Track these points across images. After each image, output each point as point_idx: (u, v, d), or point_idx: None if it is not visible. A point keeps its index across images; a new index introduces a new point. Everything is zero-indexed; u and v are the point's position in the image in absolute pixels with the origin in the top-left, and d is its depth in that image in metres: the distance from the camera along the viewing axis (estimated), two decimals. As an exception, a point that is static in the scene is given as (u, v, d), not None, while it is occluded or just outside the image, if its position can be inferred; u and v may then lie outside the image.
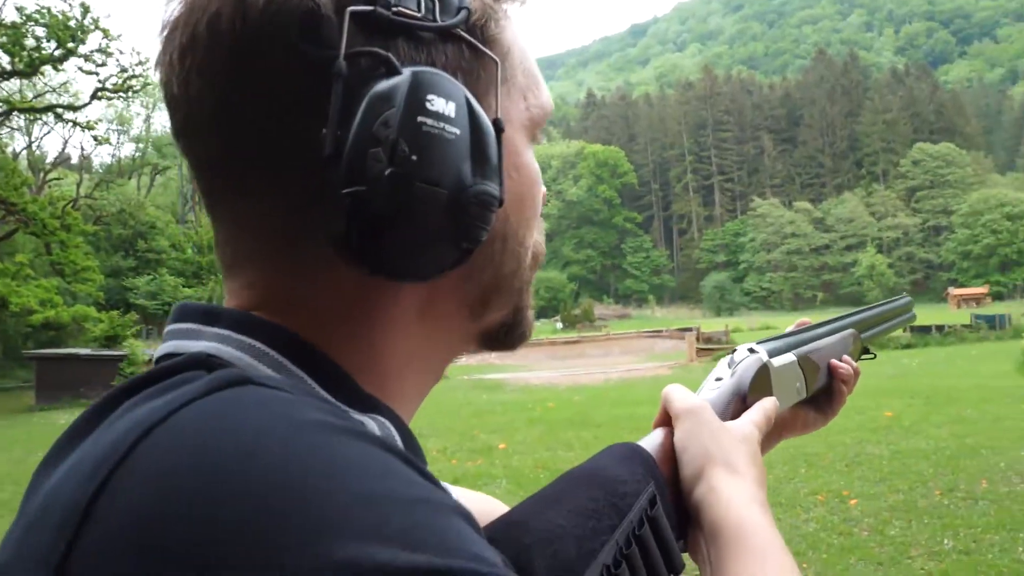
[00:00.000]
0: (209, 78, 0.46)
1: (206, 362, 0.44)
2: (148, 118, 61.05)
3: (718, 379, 0.75)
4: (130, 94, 28.87)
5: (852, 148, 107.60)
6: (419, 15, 0.47)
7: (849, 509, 6.48)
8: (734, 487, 0.62)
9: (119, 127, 59.82)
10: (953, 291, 69.52)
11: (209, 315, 0.48)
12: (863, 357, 0.94)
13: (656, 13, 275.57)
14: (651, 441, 0.66)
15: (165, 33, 0.49)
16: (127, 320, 27.98)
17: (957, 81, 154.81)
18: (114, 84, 27.15)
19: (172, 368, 0.44)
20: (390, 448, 0.40)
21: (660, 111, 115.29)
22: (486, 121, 0.48)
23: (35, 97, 31.44)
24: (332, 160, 0.44)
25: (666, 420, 0.69)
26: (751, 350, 0.79)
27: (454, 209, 0.46)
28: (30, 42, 24.49)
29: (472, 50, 0.50)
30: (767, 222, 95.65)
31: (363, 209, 0.44)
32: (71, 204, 31.76)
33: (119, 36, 30.19)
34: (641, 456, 0.63)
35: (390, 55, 0.45)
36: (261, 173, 0.47)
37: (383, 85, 0.44)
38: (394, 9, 0.46)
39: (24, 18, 24.16)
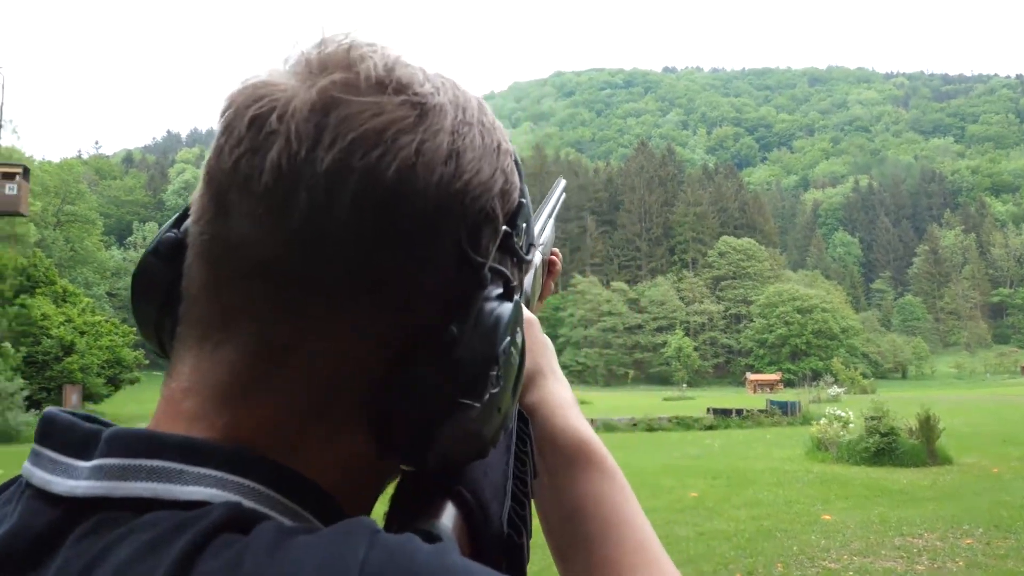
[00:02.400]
0: (346, 222, 0.43)
1: (250, 518, 0.40)
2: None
3: None
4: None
5: (666, 235, 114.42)
6: (522, 245, 0.51)
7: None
8: (563, 396, 0.68)
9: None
10: (751, 376, 74.38)
11: (191, 451, 0.42)
12: None
13: (493, 88, 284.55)
14: None
15: (277, 129, 0.43)
16: None
17: (759, 183, 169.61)
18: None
19: (221, 525, 0.39)
20: None
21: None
22: (525, 347, 0.51)
23: None
24: (459, 363, 0.44)
25: None
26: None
27: (497, 434, 0.49)
28: None
29: (521, 277, 0.55)
30: (586, 299, 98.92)
31: (459, 419, 0.45)
32: None
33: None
34: None
35: (514, 282, 0.48)
36: (349, 320, 0.44)
37: (504, 309, 0.46)
38: (516, 239, 0.50)
39: None
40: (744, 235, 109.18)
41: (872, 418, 15.66)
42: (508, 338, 0.46)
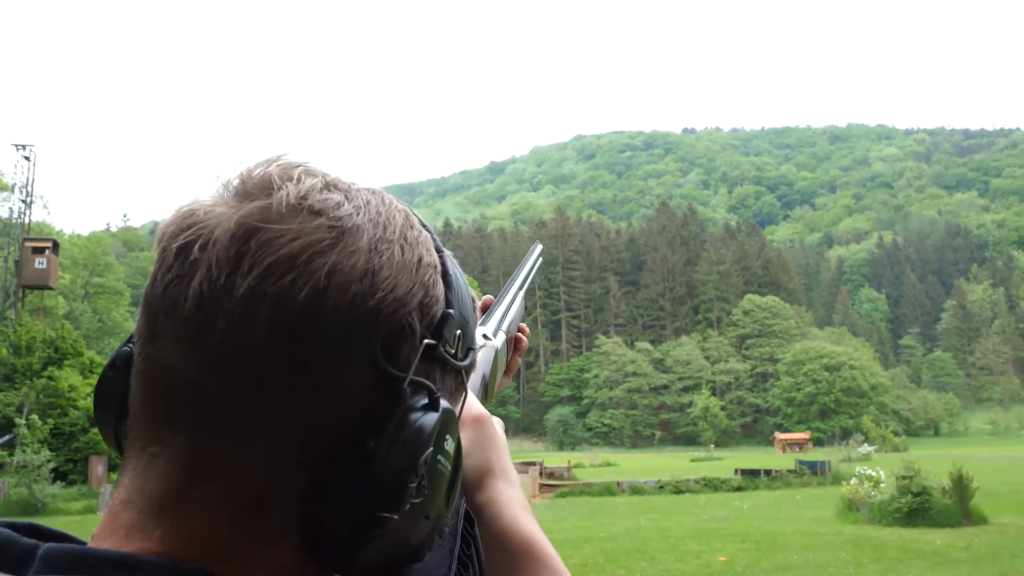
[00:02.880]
0: (260, 345, 0.45)
1: None
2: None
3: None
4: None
5: (690, 294, 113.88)
6: (453, 353, 0.51)
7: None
8: (511, 496, 0.67)
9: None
10: (779, 436, 72.89)
11: (121, 566, 0.42)
12: None
13: (514, 153, 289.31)
14: None
15: (199, 258, 0.46)
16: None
17: (781, 241, 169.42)
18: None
19: None
20: None
21: (513, 246, 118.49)
22: (462, 452, 0.51)
23: None
24: (376, 476, 0.45)
25: None
26: (485, 336, 0.82)
27: (429, 539, 0.49)
28: None
29: (460, 381, 0.55)
30: (610, 360, 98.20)
31: (382, 532, 0.45)
32: None
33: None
34: None
35: (438, 393, 0.48)
36: (269, 437, 0.45)
37: (427, 420, 0.47)
38: (446, 348, 0.50)
39: None
40: (768, 293, 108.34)
41: (904, 477, 15.35)
42: (431, 448, 0.46)
